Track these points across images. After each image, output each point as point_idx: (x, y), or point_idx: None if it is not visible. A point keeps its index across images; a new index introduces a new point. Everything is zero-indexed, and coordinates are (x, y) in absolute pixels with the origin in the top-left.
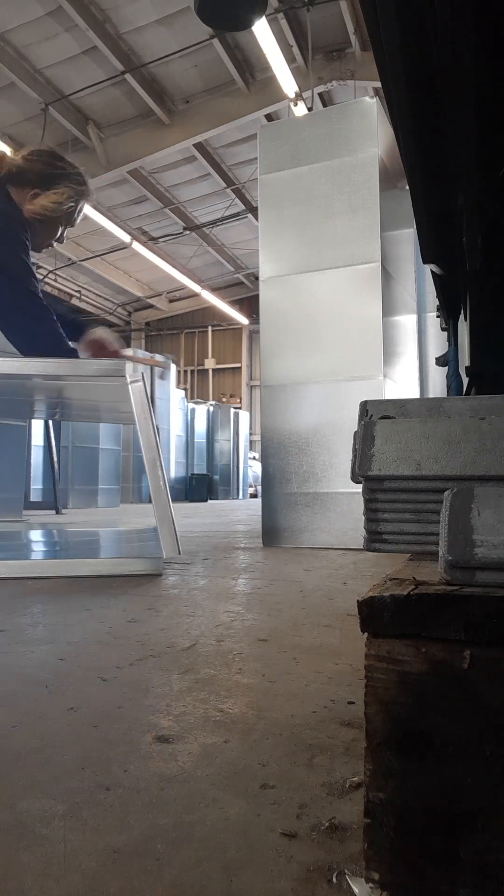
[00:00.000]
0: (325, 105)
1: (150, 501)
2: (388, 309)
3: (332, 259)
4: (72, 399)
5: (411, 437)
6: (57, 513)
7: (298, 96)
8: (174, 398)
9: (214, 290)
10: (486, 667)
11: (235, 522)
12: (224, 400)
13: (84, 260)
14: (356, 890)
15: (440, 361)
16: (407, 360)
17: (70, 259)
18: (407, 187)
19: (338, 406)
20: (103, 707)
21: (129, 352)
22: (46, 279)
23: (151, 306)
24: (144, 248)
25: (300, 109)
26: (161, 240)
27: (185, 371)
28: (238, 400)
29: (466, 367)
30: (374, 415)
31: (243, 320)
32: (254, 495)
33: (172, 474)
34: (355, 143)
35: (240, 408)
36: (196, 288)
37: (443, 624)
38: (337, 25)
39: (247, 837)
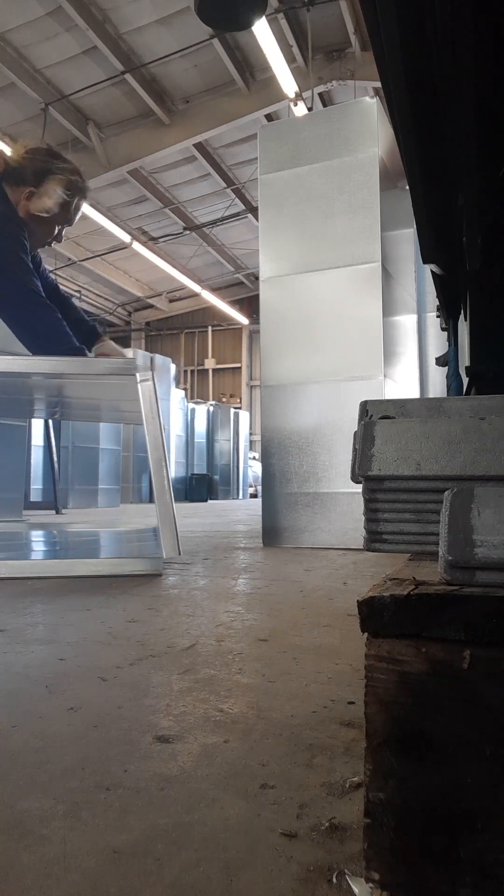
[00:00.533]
0: (325, 105)
1: (150, 501)
2: (388, 309)
3: (333, 259)
4: (74, 398)
5: (411, 437)
6: (57, 513)
7: (298, 96)
8: (174, 398)
9: (214, 290)
10: (486, 667)
11: (235, 522)
12: (224, 400)
13: (84, 260)
14: (356, 890)
15: (440, 361)
16: (407, 360)
17: (70, 259)
18: (407, 187)
19: (338, 406)
20: (103, 707)
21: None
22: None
23: (151, 306)
24: (144, 248)
25: (300, 109)
26: (161, 240)
27: (185, 371)
28: (238, 400)
29: (466, 367)
30: (374, 415)
31: (243, 320)
32: (254, 495)
33: (173, 474)
34: (355, 143)
35: (240, 408)
36: (196, 288)
37: (443, 624)
38: (337, 25)
39: (247, 837)
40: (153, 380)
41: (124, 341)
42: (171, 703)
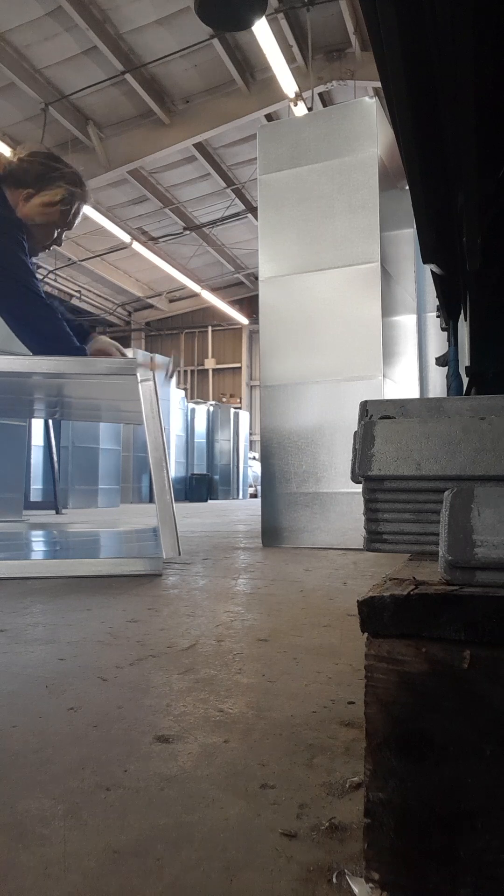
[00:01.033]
0: (325, 105)
1: (150, 501)
2: (388, 309)
3: (332, 259)
4: (74, 398)
5: (411, 437)
6: (57, 513)
7: (298, 96)
8: (174, 398)
9: (214, 290)
10: (486, 667)
11: (235, 522)
12: (224, 400)
13: (84, 260)
14: (356, 890)
15: (440, 361)
16: (407, 360)
17: (70, 259)
18: (407, 187)
19: (338, 406)
20: (103, 707)
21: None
22: (46, 279)
23: (151, 306)
24: (144, 248)
25: (300, 109)
26: (161, 240)
27: (185, 371)
28: (238, 400)
29: (466, 367)
30: (374, 415)
31: (243, 320)
32: (254, 495)
33: (172, 474)
34: (355, 143)
35: (240, 408)
36: (196, 288)
37: (443, 624)
38: (337, 25)
39: (247, 837)
40: (154, 379)
41: (124, 341)
42: (171, 703)
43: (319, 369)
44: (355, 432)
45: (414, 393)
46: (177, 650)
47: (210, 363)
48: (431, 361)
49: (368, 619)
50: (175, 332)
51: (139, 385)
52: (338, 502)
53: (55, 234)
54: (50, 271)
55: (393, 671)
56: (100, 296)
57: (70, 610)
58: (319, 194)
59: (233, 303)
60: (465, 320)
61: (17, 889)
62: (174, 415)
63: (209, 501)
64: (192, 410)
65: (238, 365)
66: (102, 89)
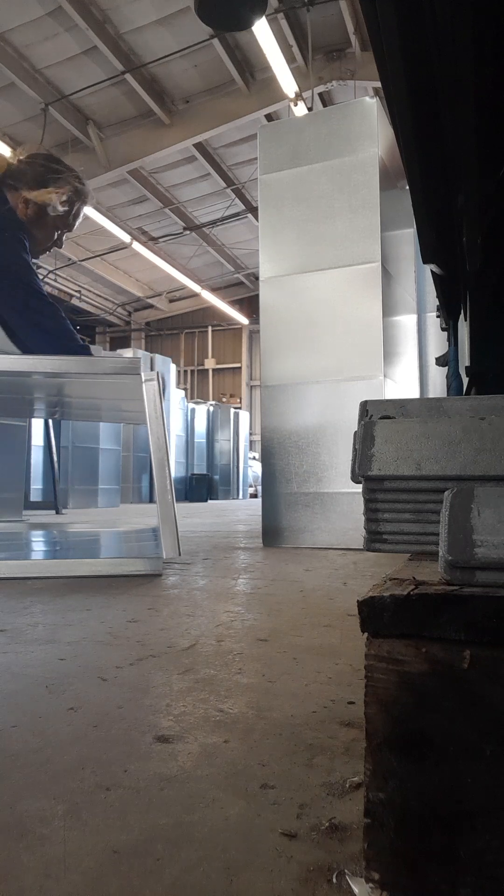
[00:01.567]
0: (325, 105)
1: (150, 501)
2: (388, 309)
3: (333, 259)
4: (74, 397)
5: (411, 437)
6: (57, 513)
7: (298, 96)
8: (174, 398)
9: (214, 290)
10: (486, 667)
11: (235, 522)
12: (224, 400)
13: (84, 260)
14: (356, 890)
15: (440, 361)
16: (407, 360)
17: (70, 259)
18: (407, 187)
19: (338, 406)
20: (103, 707)
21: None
22: (46, 279)
23: (151, 306)
24: (144, 248)
25: (300, 109)
26: (161, 240)
27: (185, 371)
28: (238, 400)
29: (466, 367)
30: (374, 415)
31: (243, 320)
32: (254, 495)
33: (173, 474)
34: (355, 143)
35: (240, 408)
36: (196, 288)
37: (443, 624)
38: (337, 25)
39: (247, 838)
40: (158, 380)
41: (124, 341)
42: (171, 702)
43: (320, 369)
44: (355, 432)
45: (414, 393)
46: (177, 650)
47: (210, 363)
48: (431, 361)
49: (368, 619)
50: (175, 332)
51: (143, 385)
52: (338, 502)
53: (56, 236)
54: (50, 271)
55: (393, 671)
56: (100, 296)
57: (70, 610)
58: (320, 194)
59: (233, 303)
60: (465, 320)
61: (17, 889)
62: (174, 415)
63: (209, 501)
64: (192, 410)
65: (238, 365)
66: (102, 89)
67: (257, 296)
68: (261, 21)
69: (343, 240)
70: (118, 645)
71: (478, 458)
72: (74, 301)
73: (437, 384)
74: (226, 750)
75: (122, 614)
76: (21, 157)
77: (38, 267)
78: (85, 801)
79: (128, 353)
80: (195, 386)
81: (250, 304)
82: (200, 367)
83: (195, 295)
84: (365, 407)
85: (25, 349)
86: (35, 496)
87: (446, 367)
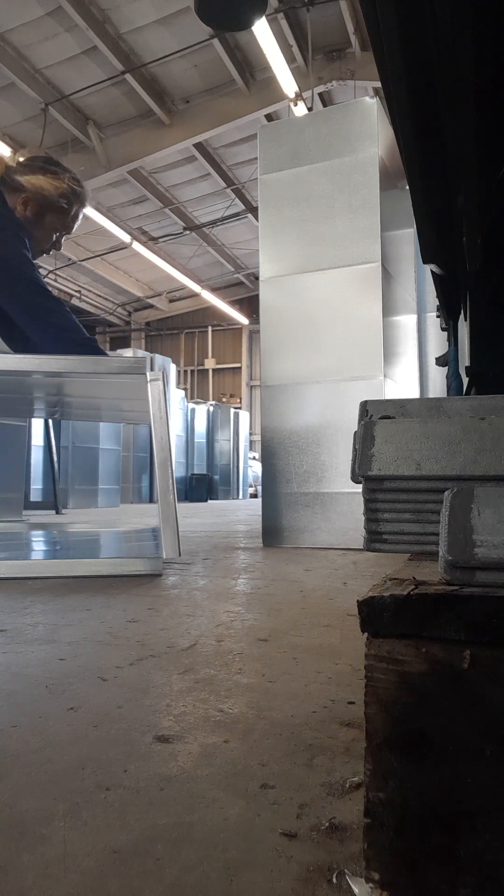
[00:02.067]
0: (325, 105)
1: (150, 501)
2: (388, 309)
3: (333, 259)
4: (75, 397)
5: (411, 437)
6: (57, 513)
7: (298, 96)
8: (174, 398)
9: (214, 290)
10: (486, 667)
11: (235, 522)
12: (224, 400)
13: (84, 260)
14: (356, 890)
15: (440, 361)
16: (407, 360)
17: (70, 259)
18: (407, 187)
19: (338, 406)
20: (103, 707)
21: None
22: (46, 279)
23: (151, 306)
24: (144, 248)
25: (300, 109)
26: (161, 240)
27: (185, 371)
28: (238, 400)
29: (466, 367)
30: (374, 415)
31: (243, 320)
32: (254, 495)
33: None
34: (355, 143)
35: (240, 408)
36: (196, 288)
37: (443, 624)
38: (337, 25)
39: (247, 838)
40: (163, 380)
41: (124, 341)
42: (171, 703)
43: (320, 369)
44: (355, 432)
45: (414, 393)
46: (177, 650)
47: (210, 363)
48: (431, 361)
49: (368, 619)
50: (175, 332)
51: (148, 385)
52: (338, 502)
53: (54, 238)
54: (50, 271)
55: (393, 671)
56: (100, 296)
57: (70, 610)
58: (320, 194)
59: (233, 303)
60: (465, 320)
61: (17, 889)
62: (174, 415)
63: (209, 501)
64: (192, 410)
65: (238, 365)
66: (102, 89)
67: (257, 296)
68: (261, 21)
69: (343, 240)
70: (118, 645)
71: (478, 458)
72: (74, 301)
73: (437, 384)
74: (226, 750)
75: (122, 614)
76: (20, 160)
77: (38, 267)
78: (85, 801)
79: (128, 353)
80: (195, 386)
81: (250, 304)
82: (200, 367)
83: (195, 295)
84: (365, 407)
85: (20, 349)
86: (35, 496)
87: (446, 367)
